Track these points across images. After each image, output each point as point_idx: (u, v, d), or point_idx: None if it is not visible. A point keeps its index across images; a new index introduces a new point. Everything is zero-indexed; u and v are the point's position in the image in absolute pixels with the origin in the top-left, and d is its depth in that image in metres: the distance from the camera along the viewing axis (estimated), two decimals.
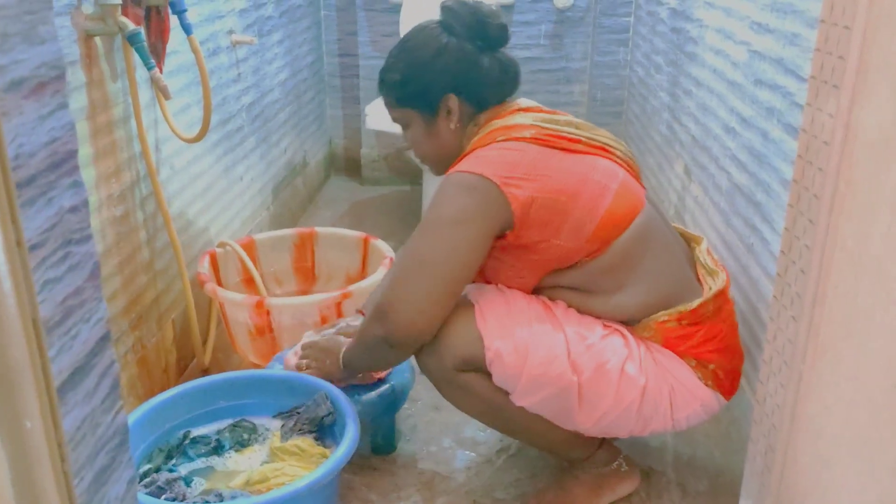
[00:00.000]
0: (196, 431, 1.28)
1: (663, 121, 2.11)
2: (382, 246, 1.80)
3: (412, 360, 1.45)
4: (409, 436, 1.51)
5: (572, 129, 1.19)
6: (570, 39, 2.80)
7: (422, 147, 1.29)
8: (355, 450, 1.16)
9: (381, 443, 1.44)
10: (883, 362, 0.77)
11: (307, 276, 1.95)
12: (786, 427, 0.98)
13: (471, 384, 1.20)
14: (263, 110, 2.23)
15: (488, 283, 1.25)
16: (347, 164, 3.09)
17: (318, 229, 1.93)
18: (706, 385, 1.18)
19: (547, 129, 1.17)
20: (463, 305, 1.19)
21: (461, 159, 1.18)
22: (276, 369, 1.40)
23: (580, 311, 1.20)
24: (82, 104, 1.26)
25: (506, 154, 1.14)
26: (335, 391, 1.27)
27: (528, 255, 1.17)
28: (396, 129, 2.31)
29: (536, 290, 1.23)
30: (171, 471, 1.19)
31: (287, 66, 2.45)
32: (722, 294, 1.20)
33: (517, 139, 1.15)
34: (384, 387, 1.38)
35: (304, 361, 1.33)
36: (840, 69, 0.82)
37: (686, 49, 1.87)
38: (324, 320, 1.59)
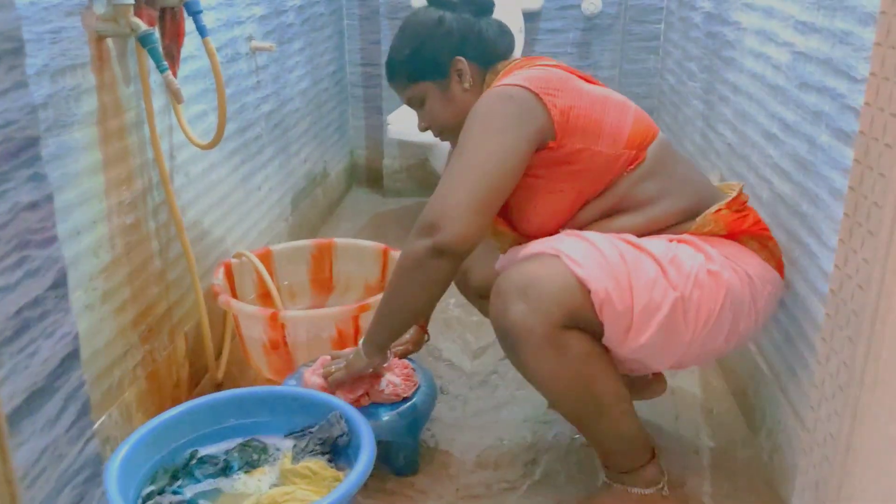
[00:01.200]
0: (203, 451, 1.21)
1: (697, 129, 2.03)
2: None
3: (433, 379, 1.42)
4: (430, 457, 1.43)
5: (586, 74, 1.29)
6: (598, 47, 2.73)
7: (441, 116, 1.31)
8: (371, 472, 1.09)
9: (402, 464, 1.37)
10: None
11: (323, 288, 1.88)
12: (840, 459, 0.90)
13: (572, 344, 1.13)
14: (283, 119, 2.18)
15: (524, 211, 1.28)
16: (369, 175, 3.04)
17: (337, 240, 1.87)
18: (770, 265, 1.22)
19: (564, 65, 1.27)
20: (548, 258, 1.15)
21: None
22: (290, 386, 1.33)
23: (639, 235, 1.21)
24: (92, 108, 1.21)
25: (537, 71, 1.21)
26: (350, 410, 1.20)
27: (570, 166, 1.19)
28: (419, 138, 2.25)
29: (592, 229, 1.23)
30: (175, 492, 1.12)
31: (308, 74, 2.41)
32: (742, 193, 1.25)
33: (542, 66, 1.23)
34: (406, 405, 1.32)
35: (333, 366, 1.31)
36: None
37: (722, 54, 1.79)
38: (340, 334, 1.53)
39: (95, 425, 1.24)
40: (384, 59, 2.84)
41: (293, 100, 2.27)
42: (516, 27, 2.57)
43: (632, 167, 1.21)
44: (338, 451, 1.20)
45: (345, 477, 1.10)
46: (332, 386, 1.28)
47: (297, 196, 2.34)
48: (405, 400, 1.33)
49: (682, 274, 1.14)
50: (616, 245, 1.15)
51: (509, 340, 1.13)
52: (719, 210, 1.20)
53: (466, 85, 1.29)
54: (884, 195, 0.78)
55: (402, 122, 2.31)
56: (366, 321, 1.54)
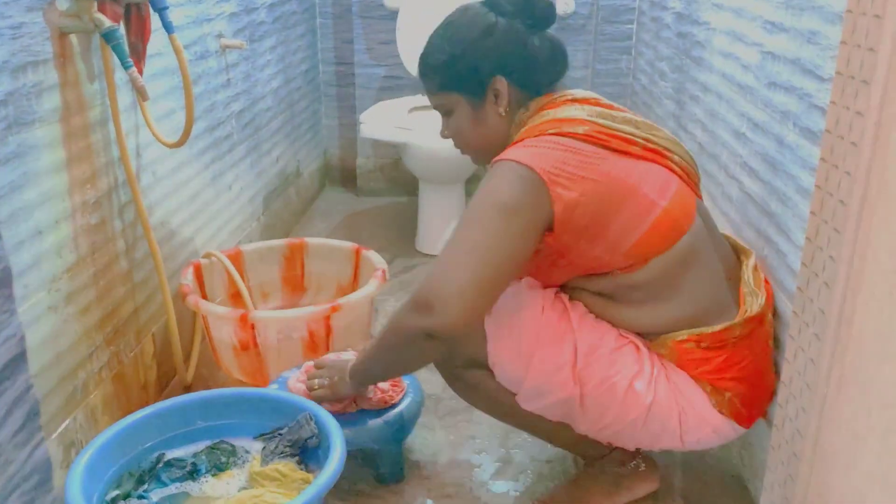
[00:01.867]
0: (171, 454, 1.19)
1: (668, 129, 2.03)
2: (374, 257, 1.72)
3: (421, 384, 1.41)
4: (416, 464, 1.42)
5: (629, 129, 1.11)
6: (570, 48, 2.70)
7: (466, 135, 1.21)
8: (341, 473, 1.08)
9: (386, 473, 1.34)
10: None
11: (295, 288, 1.87)
12: (808, 456, 0.90)
13: (478, 382, 1.19)
14: (255, 118, 2.15)
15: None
16: (343, 175, 3.02)
17: (309, 240, 1.85)
18: (720, 412, 1.12)
19: (601, 126, 1.09)
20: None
21: (509, 148, 1.11)
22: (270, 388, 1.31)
23: (599, 317, 1.15)
24: (55, 105, 1.19)
25: (555, 149, 1.06)
26: (320, 411, 1.19)
27: (560, 259, 1.11)
28: (393, 138, 2.24)
29: (563, 288, 1.18)
30: (141, 497, 1.10)
31: (280, 73, 2.39)
32: (755, 319, 1.13)
33: (569, 134, 1.07)
34: (393, 412, 1.29)
35: (316, 381, 1.28)
36: (871, 63, 0.74)
37: (693, 54, 1.80)
38: (311, 335, 1.51)
39: (60, 429, 1.21)
40: (357, 57, 2.84)
41: (265, 98, 2.24)
42: None
43: (622, 272, 1.11)
44: (308, 453, 1.19)
45: (314, 479, 1.08)
46: (316, 401, 1.26)
47: (270, 195, 2.31)
48: (392, 406, 1.31)
49: (597, 374, 1.10)
50: (548, 318, 1.12)
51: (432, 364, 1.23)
52: (683, 341, 1.11)
53: (501, 110, 1.16)
54: (849, 193, 0.78)
55: (376, 122, 2.29)
56: (338, 321, 1.53)
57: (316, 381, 1.28)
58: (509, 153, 1.07)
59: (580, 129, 1.07)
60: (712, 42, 1.64)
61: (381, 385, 1.31)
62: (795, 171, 1.17)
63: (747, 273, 1.21)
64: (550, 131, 1.08)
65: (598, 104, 1.14)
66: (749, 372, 1.12)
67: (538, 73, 1.16)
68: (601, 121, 1.09)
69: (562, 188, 1.03)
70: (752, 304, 1.15)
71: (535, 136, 1.08)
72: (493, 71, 1.14)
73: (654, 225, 1.07)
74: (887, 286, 0.76)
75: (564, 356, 1.10)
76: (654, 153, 1.11)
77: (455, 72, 1.16)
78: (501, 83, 1.15)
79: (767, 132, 1.29)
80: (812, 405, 0.88)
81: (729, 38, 1.52)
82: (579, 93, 1.17)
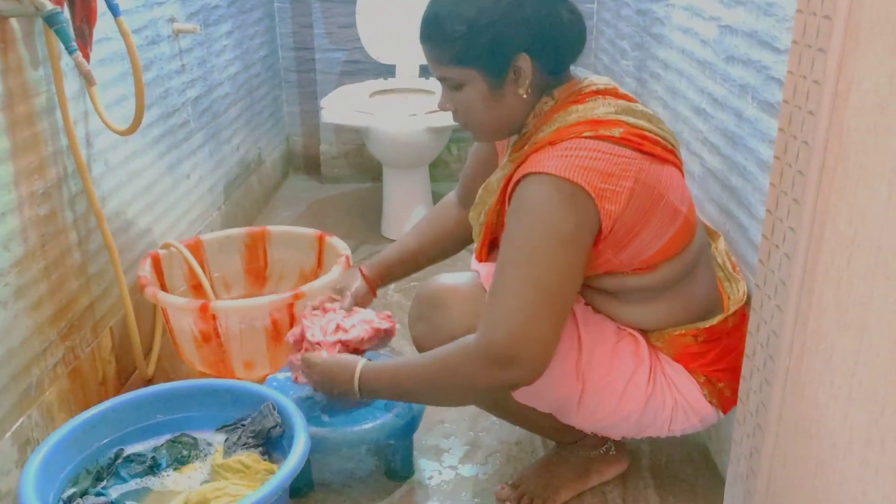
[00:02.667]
0: (130, 449, 1.16)
1: (644, 106, 2.03)
2: (338, 243, 1.69)
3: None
4: (423, 459, 1.40)
5: (649, 126, 1.05)
6: None
7: (474, 114, 1.08)
8: (305, 461, 1.06)
9: (398, 467, 1.31)
10: (884, 356, 0.68)
11: (258, 278, 1.83)
12: (773, 428, 0.90)
13: None
14: (212, 104, 2.11)
15: None
16: (306, 162, 2.98)
17: (270, 228, 1.82)
18: (710, 403, 1.13)
19: (632, 126, 1.03)
20: (474, 290, 1.10)
21: (539, 149, 1.02)
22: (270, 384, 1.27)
23: (597, 311, 1.13)
24: None
25: (598, 158, 0.98)
26: (282, 401, 1.17)
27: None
28: (354, 122, 2.21)
29: None
30: (99, 494, 1.07)
31: (238, 58, 2.34)
32: (741, 309, 1.14)
33: (606, 138, 1.00)
34: (401, 405, 1.26)
35: (315, 384, 1.19)
36: (826, 30, 0.74)
37: (652, 31, 1.80)
38: (275, 324, 1.49)
39: (14, 427, 1.17)
40: (317, 42, 2.80)
41: (222, 84, 2.19)
42: None
43: (632, 273, 1.08)
44: (271, 443, 1.17)
45: (278, 469, 1.06)
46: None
47: (231, 184, 2.27)
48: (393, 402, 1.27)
49: (599, 370, 1.09)
50: None
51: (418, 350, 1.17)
52: (681, 335, 1.11)
53: (522, 91, 1.04)
54: (807, 163, 0.78)
55: (337, 107, 2.26)
56: (301, 309, 1.50)
57: (314, 383, 1.19)
58: (550, 165, 0.98)
59: (616, 132, 1.00)
60: (671, 18, 1.64)
61: (365, 316, 1.27)
62: (755, 145, 1.16)
63: (721, 257, 1.21)
64: (586, 134, 1.00)
65: (617, 95, 1.08)
66: (738, 362, 1.11)
67: (564, 52, 1.06)
68: (630, 119, 1.03)
69: (609, 203, 0.98)
70: (735, 290, 1.16)
71: (571, 140, 1.00)
72: (518, 48, 1.02)
73: (676, 233, 1.05)
74: (846, 255, 0.75)
75: (568, 351, 1.08)
76: (670, 153, 1.07)
77: (475, 45, 1.01)
78: (526, 61, 1.02)
79: (726, 107, 1.29)
80: (775, 377, 0.88)
81: (688, 14, 1.52)
82: (600, 81, 1.09)
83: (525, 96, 1.05)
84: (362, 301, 1.35)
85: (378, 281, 1.37)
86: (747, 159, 1.19)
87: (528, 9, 1.01)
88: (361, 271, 1.37)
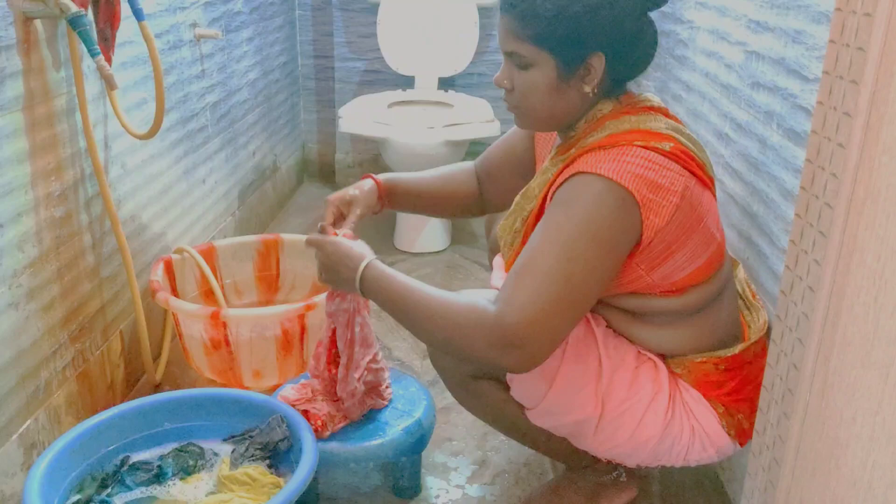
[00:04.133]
0: (136, 457, 1.15)
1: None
2: None
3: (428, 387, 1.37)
4: (430, 476, 1.38)
5: (696, 150, 1.05)
6: None
7: (533, 97, 1.05)
8: (312, 476, 1.05)
9: (405, 485, 1.29)
10: None
11: (270, 286, 1.83)
12: (790, 462, 0.88)
13: (485, 393, 1.16)
14: (230, 110, 2.11)
15: None
16: (321, 170, 2.98)
17: (284, 236, 1.81)
18: (728, 434, 1.10)
19: (682, 144, 1.02)
20: None
21: (589, 151, 1.01)
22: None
23: (618, 333, 1.11)
24: (17, 93, 1.14)
25: (650, 167, 0.97)
26: (292, 413, 1.16)
27: (616, 279, 1.04)
28: (372, 133, 2.21)
29: None
30: (104, 502, 1.06)
31: (257, 65, 2.34)
32: (762, 339, 1.12)
33: (658, 150, 0.99)
34: (410, 421, 1.25)
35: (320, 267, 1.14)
36: (860, 62, 0.72)
37: (675, 53, 1.79)
38: (285, 333, 1.48)
39: (20, 430, 1.17)
40: (336, 51, 2.80)
41: (241, 90, 2.20)
42: (471, 21, 2.54)
43: (660, 296, 1.07)
44: (279, 456, 1.15)
45: (285, 484, 1.05)
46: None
47: (245, 190, 2.27)
48: (402, 414, 1.26)
49: (618, 395, 1.07)
50: (574, 333, 1.07)
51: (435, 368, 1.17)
52: (702, 362, 1.09)
53: (588, 89, 1.03)
54: (836, 196, 0.76)
55: (355, 116, 2.25)
56: (312, 320, 1.49)
57: (320, 264, 1.14)
58: (603, 167, 0.97)
59: (666, 146, 0.99)
60: (696, 41, 1.63)
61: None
62: (778, 173, 1.15)
63: (741, 286, 1.19)
64: (638, 143, 0.99)
65: (668, 115, 1.07)
66: (758, 392, 1.10)
67: (636, 64, 1.06)
68: (680, 138, 1.03)
69: (654, 214, 0.97)
70: (756, 318, 1.14)
71: (622, 146, 0.99)
72: (597, 46, 1.01)
73: (709, 259, 1.04)
74: (874, 291, 0.74)
75: (588, 374, 1.07)
76: (710, 181, 1.06)
77: (559, 31, 1.00)
78: (600, 61, 1.02)
79: (751, 133, 1.27)
80: (794, 411, 0.86)
81: (712, 37, 1.51)
82: (654, 99, 1.09)
83: (590, 94, 1.04)
84: (371, 199, 1.27)
85: (385, 200, 1.30)
86: (770, 187, 1.18)
87: (619, 12, 1.00)
88: (376, 182, 1.28)
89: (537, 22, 1.01)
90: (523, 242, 1.11)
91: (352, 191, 1.25)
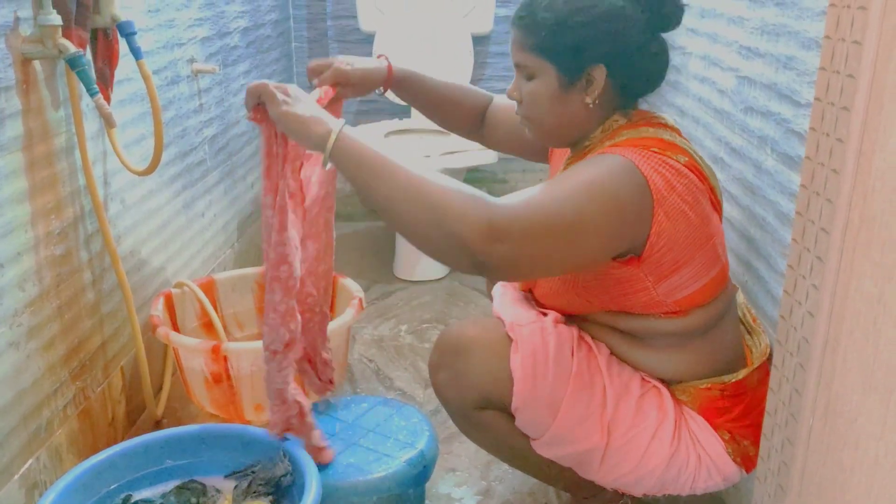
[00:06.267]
0: (138, 495, 1.15)
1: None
2: (351, 285, 1.69)
3: (429, 418, 1.36)
4: None
5: (707, 171, 1.06)
6: None
7: (538, 107, 1.07)
8: None
9: None
10: None
11: None
12: (795, 488, 0.88)
13: (489, 423, 1.15)
14: (228, 143, 2.12)
15: (544, 304, 1.14)
16: None
17: None
18: (734, 461, 1.10)
19: (696, 161, 1.03)
20: (499, 338, 1.09)
21: (619, 146, 1.01)
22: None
23: (621, 359, 1.11)
24: (17, 133, 1.15)
25: (667, 170, 0.98)
26: (294, 448, 1.15)
27: (616, 286, 1.04)
28: None
29: (585, 323, 1.13)
30: None
31: None
32: (765, 364, 1.13)
33: (674, 160, 1.00)
34: (413, 453, 1.24)
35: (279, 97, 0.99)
36: (850, 89, 0.73)
37: (669, 78, 1.80)
38: None
39: (22, 470, 1.16)
40: None
41: (238, 123, 2.21)
42: (465, 50, 2.56)
43: (663, 316, 1.07)
44: (282, 492, 1.15)
45: None
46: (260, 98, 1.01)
47: (244, 222, 2.27)
48: (404, 446, 1.25)
49: (623, 424, 1.07)
50: (577, 361, 1.08)
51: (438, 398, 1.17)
52: (707, 388, 1.09)
53: (589, 100, 1.04)
54: (831, 221, 0.77)
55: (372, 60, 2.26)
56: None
57: (279, 96, 0.99)
58: (624, 151, 0.98)
59: (682, 159, 1.01)
60: (688, 66, 1.64)
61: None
62: (774, 197, 1.16)
63: (741, 310, 1.20)
64: (655, 150, 1.00)
65: (679, 135, 1.08)
66: (754, 422, 1.10)
67: (641, 78, 1.06)
68: (694, 155, 1.04)
69: (664, 213, 0.97)
70: (757, 342, 1.15)
71: (641, 149, 1.00)
72: (598, 58, 1.02)
73: (713, 280, 1.05)
74: (872, 315, 0.74)
75: (593, 404, 1.06)
76: (719, 204, 1.07)
77: (558, 40, 1.02)
78: (601, 73, 1.03)
79: (745, 157, 1.28)
80: (798, 436, 0.86)
81: (704, 63, 1.52)
82: (669, 119, 1.11)
83: (591, 106, 1.05)
84: (369, 82, 1.25)
85: (392, 83, 1.28)
86: (766, 211, 1.18)
87: (619, 25, 1.01)
88: (389, 65, 1.26)
89: (538, 31, 1.03)
90: None
91: (359, 63, 1.22)
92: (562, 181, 0.96)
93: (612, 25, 1.01)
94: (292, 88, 1.02)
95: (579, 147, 1.11)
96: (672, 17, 1.05)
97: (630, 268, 1.01)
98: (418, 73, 1.31)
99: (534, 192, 0.95)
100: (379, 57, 1.27)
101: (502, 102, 1.35)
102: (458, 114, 1.36)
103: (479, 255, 0.89)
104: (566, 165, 1.12)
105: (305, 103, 1.00)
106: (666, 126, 1.07)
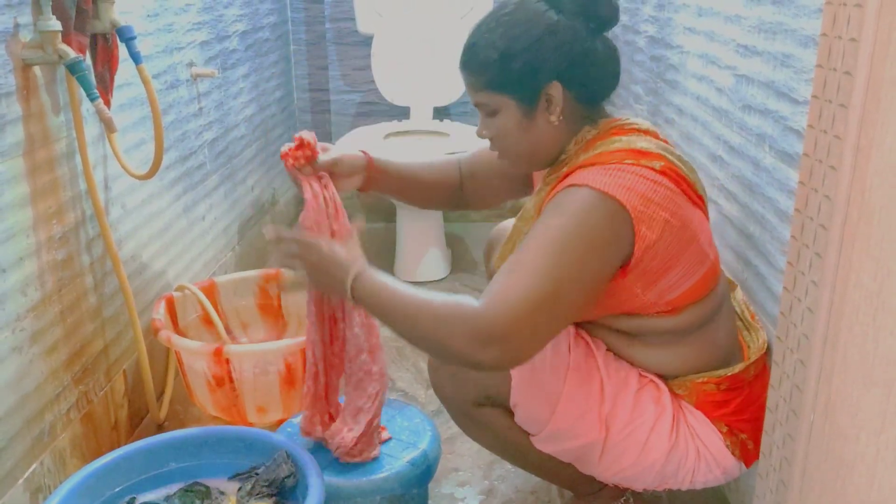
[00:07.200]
0: (142, 498, 1.15)
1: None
2: None
3: (433, 418, 1.36)
4: None
5: (686, 170, 1.06)
6: None
7: (510, 140, 1.08)
8: None
9: None
10: None
11: (276, 320, 1.83)
12: (797, 484, 0.88)
13: (489, 420, 1.16)
14: (228, 146, 2.13)
15: None
16: None
17: (285, 270, 1.81)
18: (732, 454, 1.11)
19: (672, 163, 1.03)
20: None
21: (580, 168, 1.02)
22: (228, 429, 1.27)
23: (618, 356, 1.12)
24: (18, 139, 1.15)
25: (641, 182, 0.98)
26: (297, 449, 1.15)
27: (609, 299, 1.04)
28: None
29: (581, 322, 1.14)
30: None
31: (254, 101, 2.36)
32: (763, 358, 1.13)
33: (648, 168, 1.00)
34: (416, 453, 1.24)
35: (297, 263, 1.08)
36: (847, 86, 0.74)
37: (666, 77, 1.81)
38: (288, 368, 1.48)
39: (26, 474, 1.16)
40: (332, 84, 2.83)
41: (238, 126, 2.22)
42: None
43: (657, 315, 1.07)
44: (285, 493, 1.15)
45: None
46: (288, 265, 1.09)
47: (245, 225, 2.28)
48: (405, 447, 1.25)
49: (622, 418, 1.07)
50: (575, 357, 1.08)
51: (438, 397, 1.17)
52: (703, 382, 1.10)
53: (554, 118, 1.05)
54: (830, 217, 0.77)
55: (352, 148, 2.27)
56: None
57: (290, 259, 1.09)
58: (593, 179, 0.97)
59: (657, 165, 1.00)
60: (686, 65, 1.65)
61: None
62: (773, 194, 1.16)
63: (738, 306, 1.20)
64: (628, 161, 1.00)
65: (657, 137, 1.08)
66: (761, 413, 1.10)
67: (597, 82, 1.07)
68: (669, 157, 1.04)
69: (646, 227, 0.97)
70: (755, 338, 1.15)
71: (613, 163, 1.00)
72: (550, 76, 1.03)
73: (703, 277, 1.05)
74: (871, 311, 0.75)
75: (591, 399, 1.07)
76: (701, 200, 1.07)
77: (507, 72, 1.03)
78: (557, 89, 1.04)
79: (744, 155, 1.29)
80: (799, 432, 0.86)
81: (702, 62, 1.53)
82: (642, 122, 1.10)
83: (557, 123, 1.06)
84: (348, 173, 1.25)
85: (372, 180, 1.27)
86: (765, 208, 1.19)
87: (560, 38, 1.02)
88: (369, 159, 1.26)
89: (486, 70, 1.04)
90: None
91: (346, 160, 1.22)
92: (532, 245, 0.96)
93: (554, 41, 1.02)
94: (312, 246, 1.08)
95: (557, 163, 1.11)
96: (610, 17, 1.06)
97: (618, 281, 1.01)
98: (392, 161, 1.29)
99: (508, 277, 0.94)
100: (360, 150, 1.28)
101: (467, 157, 1.35)
102: (437, 194, 1.35)
103: (482, 362, 0.92)
104: (545, 180, 1.12)
105: (322, 254, 1.07)
106: (638, 130, 1.07)
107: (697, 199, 1.05)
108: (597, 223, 0.95)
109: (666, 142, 1.09)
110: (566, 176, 1.03)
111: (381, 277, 1.02)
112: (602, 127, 1.08)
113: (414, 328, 0.97)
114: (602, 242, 0.95)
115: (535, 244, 0.95)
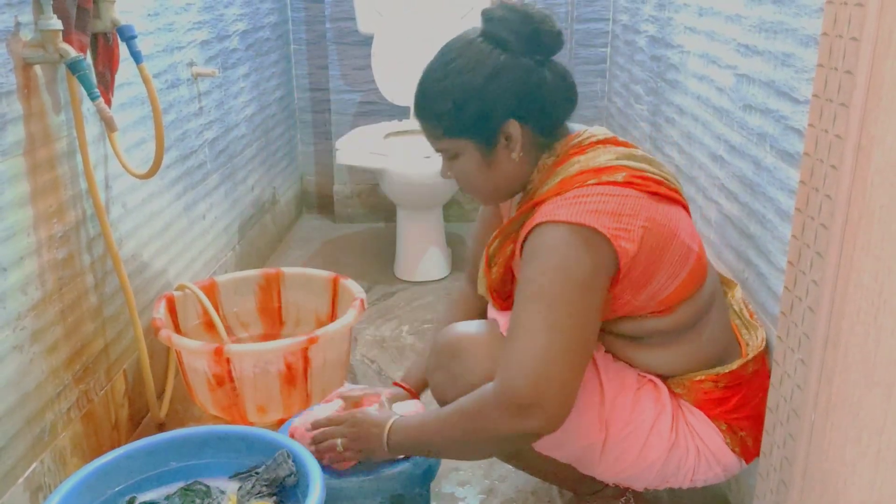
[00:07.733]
0: (142, 497, 1.15)
1: (645, 152, 2.04)
2: (353, 286, 1.69)
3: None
4: None
5: (651, 168, 1.06)
6: None
7: (474, 180, 1.11)
8: None
9: None
10: None
11: (274, 320, 1.83)
12: (797, 483, 0.88)
13: None
14: (228, 146, 2.13)
15: None
16: (320, 201, 3.00)
17: (285, 270, 1.82)
18: (732, 451, 1.11)
19: (634, 169, 1.03)
20: (494, 338, 1.09)
21: (545, 200, 1.03)
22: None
23: (616, 357, 1.12)
24: (19, 138, 1.15)
25: (607, 201, 0.98)
26: (298, 449, 1.15)
27: (602, 306, 1.04)
28: (369, 164, 2.22)
29: None
30: None
31: (254, 100, 2.36)
32: (761, 355, 1.13)
33: (610, 183, 1.00)
34: None
35: (338, 442, 1.14)
36: (848, 85, 0.74)
37: (667, 76, 1.81)
38: (289, 368, 1.48)
39: (26, 473, 1.16)
40: (332, 84, 2.83)
41: (238, 126, 2.22)
42: None
43: (651, 316, 1.07)
44: (286, 492, 1.15)
45: None
46: (326, 462, 1.16)
47: (245, 224, 2.28)
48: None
49: (622, 418, 1.08)
50: None
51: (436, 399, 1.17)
52: (701, 381, 1.10)
53: (514, 155, 1.06)
54: (831, 217, 0.77)
55: (352, 148, 2.27)
56: (315, 353, 1.49)
57: (338, 441, 1.14)
58: (561, 213, 0.97)
59: (619, 177, 1.01)
60: (686, 65, 1.65)
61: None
62: (774, 194, 1.16)
63: (737, 305, 1.20)
64: (590, 182, 1.00)
65: (617, 143, 1.09)
66: (760, 410, 1.09)
67: (552, 111, 1.07)
68: (632, 163, 1.04)
69: (625, 241, 0.97)
70: (754, 336, 1.15)
71: (576, 188, 1.01)
72: (505, 115, 1.04)
73: (691, 272, 1.05)
74: (873, 310, 0.75)
75: (591, 400, 1.07)
76: (674, 192, 1.07)
77: (463, 118, 1.05)
78: (514, 127, 1.05)
79: (744, 154, 1.29)
80: (800, 432, 0.86)
81: (703, 61, 1.53)
82: (599, 131, 1.10)
83: (517, 159, 1.07)
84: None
85: (419, 387, 1.31)
86: (766, 207, 1.19)
87: (508, 77, 1.03)
88: (407, 390, 1.30)
89: (441, 119, 1.06)
90: (508, 276, 1.14)
91: (393, 399, 1.26)
92: (524, 304, 0.97)
93: (504, 81, 1.02)
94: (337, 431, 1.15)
95: (525, 191, 1.12)
96: (553, 45, 1.06)
97: (609, 292, 1.01)
98: (416, 365, 1.33)
99: (515, 344, 0.96)
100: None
101: (471, 266, 1.35)
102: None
103: (534, 429, 0.95)
104: (517, 207, 1.12)
105: (355, 419, 1.14)
106: (597, 143, 1.07)
107: (671, 193, 1.05)
108: (577, 257, 0.96)
109: (627, 145, 1.09)
110: (534, 209, 1.04)
111: (406, 419, 1.10)
112: (560, 151, 1.08)
113: (459, 440, 1.01)
114: (588, 274, 0.96)
115: (524, 302, 0.97)
